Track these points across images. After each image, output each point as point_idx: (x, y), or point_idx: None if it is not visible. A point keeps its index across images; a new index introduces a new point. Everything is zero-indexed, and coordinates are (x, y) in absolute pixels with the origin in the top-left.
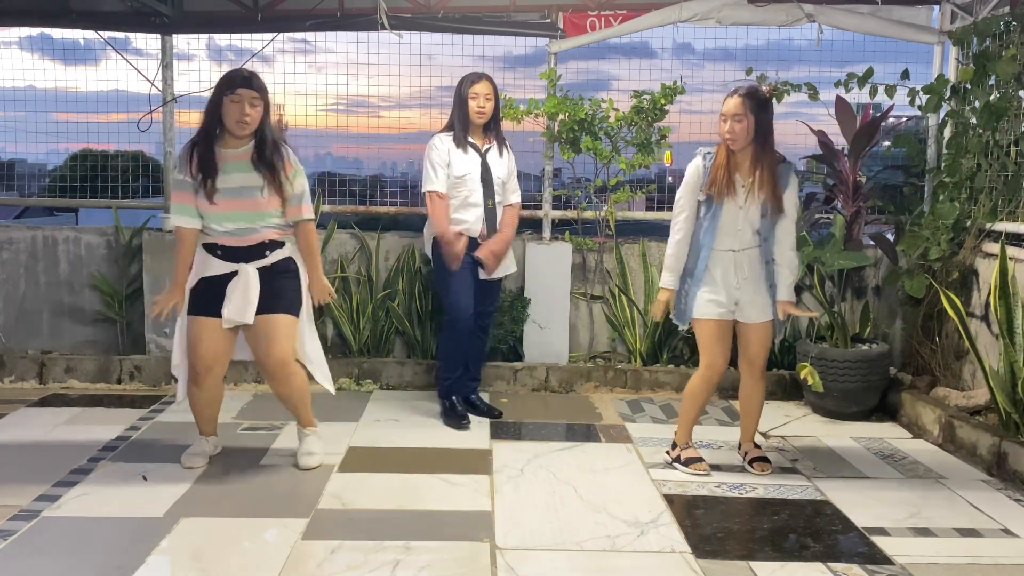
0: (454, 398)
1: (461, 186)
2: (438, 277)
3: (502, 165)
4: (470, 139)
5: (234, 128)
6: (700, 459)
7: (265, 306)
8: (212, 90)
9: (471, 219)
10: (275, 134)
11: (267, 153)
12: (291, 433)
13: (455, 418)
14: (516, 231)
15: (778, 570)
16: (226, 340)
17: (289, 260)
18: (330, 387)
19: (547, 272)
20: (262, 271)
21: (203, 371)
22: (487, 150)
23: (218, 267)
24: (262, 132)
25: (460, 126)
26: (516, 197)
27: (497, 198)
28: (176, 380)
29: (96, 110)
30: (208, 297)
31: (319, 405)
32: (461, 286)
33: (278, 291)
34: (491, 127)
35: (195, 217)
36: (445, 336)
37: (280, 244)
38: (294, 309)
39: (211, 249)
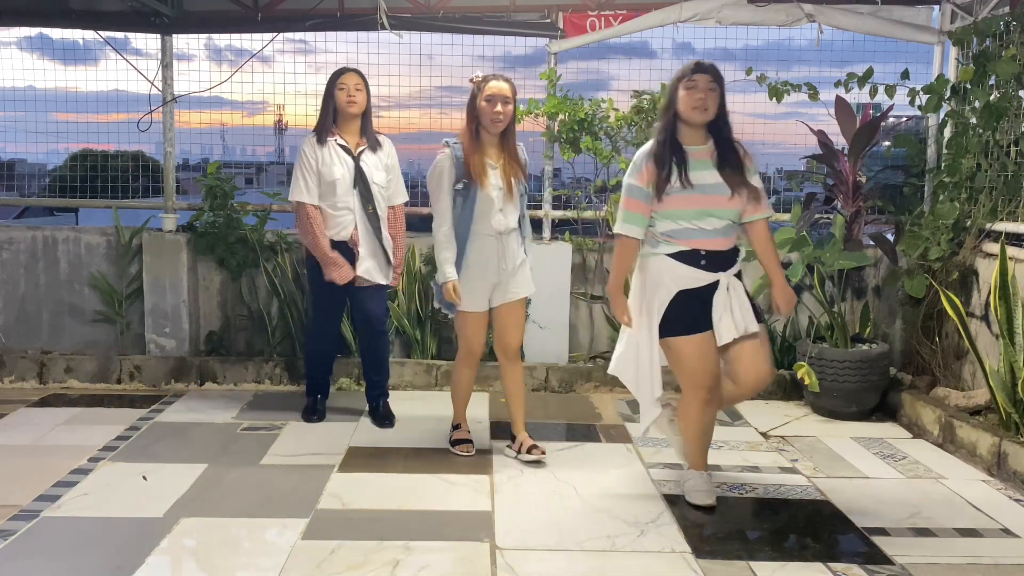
0: (318, 396)
1: (331, 194)
2: (310, 285)
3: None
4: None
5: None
6: (468, 441)
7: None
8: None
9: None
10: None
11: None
12: (291, 433)
13: (306, 412)
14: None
15: (778, 570)
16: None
17: None
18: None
19: (547, 272)
20: None
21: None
22: (360, 152)
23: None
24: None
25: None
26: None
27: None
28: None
29: (96, 110)
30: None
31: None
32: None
33: None
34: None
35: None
36: (309, 343)
37: None
38: None
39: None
